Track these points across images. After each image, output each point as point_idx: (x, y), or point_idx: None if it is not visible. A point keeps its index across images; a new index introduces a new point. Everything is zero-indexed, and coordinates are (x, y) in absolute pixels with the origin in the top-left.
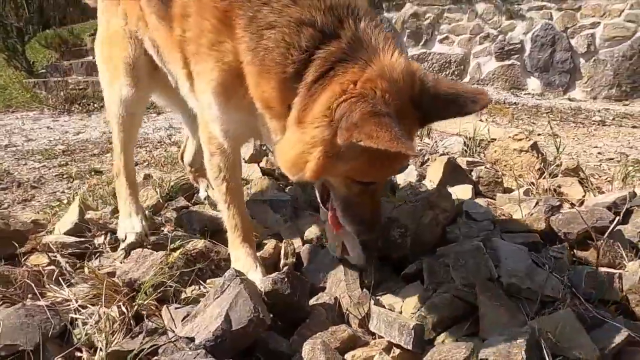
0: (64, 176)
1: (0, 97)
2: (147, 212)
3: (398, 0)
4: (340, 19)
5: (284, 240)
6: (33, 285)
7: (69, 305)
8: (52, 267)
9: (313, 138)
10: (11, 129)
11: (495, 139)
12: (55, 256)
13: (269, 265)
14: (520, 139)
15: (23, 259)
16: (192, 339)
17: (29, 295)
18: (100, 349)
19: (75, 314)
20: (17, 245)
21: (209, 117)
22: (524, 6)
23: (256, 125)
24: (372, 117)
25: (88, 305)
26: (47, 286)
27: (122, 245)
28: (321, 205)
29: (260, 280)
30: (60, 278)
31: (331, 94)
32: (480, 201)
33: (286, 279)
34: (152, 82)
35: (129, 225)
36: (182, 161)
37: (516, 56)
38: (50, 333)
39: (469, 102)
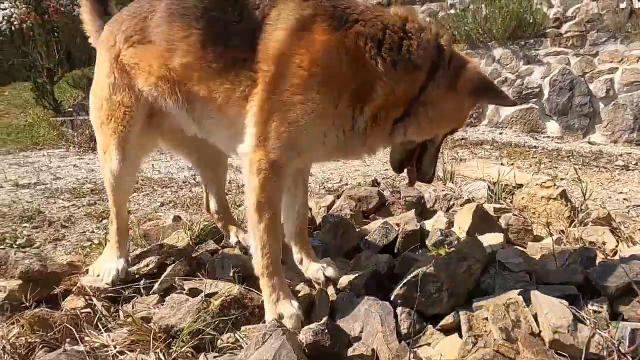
0: (93, 216)
1: (29, 134)
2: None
3: None
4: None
5: (317, 289)
6: (73, 329)
7: (108, 351)
8: (88, 310)
9: (470, 102)
10: (39, 167)
11: (522, 185)
12: (92, 299)
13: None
14: (549, 187)
15: (62, 302)
16: None
17: (67, 340)
18: None
19: None
20: (55, 287)
21: (289, 144)
22: (542, 52)
23: (337, 141)
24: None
25: (126, 351)
26: (87, 331)
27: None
28: (395, 170)
29: (297, 307)
30: (99, 323)
31: (467, 71)
32: (509, 252)
33: (326, 330)
34: (150, 144)
35: (108, 269)
36: (209, 211)
37: (535, 100)
38: None
39: None
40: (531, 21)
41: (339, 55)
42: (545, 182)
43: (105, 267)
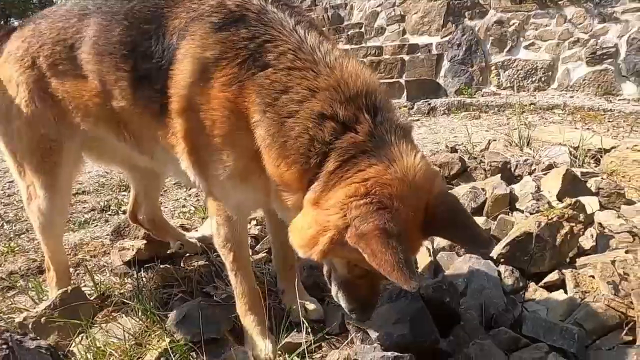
0: (182, 185)
1: None
2: None
3: (481, 8)
4: (359, 111)
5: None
6: (207, 282)
7: (233, 301)
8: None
9: (327, 222)
10: None
11: (607, 149)
12: (209, 257)
13: None
14: None
15: (182, 260)
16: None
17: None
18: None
19: None
20: (170, 246)
21: (222, 196)
22: (618, 8)
23: (268, 199)
24: (381, 235)
25: None
26: (217, 282)
27: None
28: (327, 279)
29: (270, 350)
30: (223, 277)
31: (353, 189)
32: (608, 214)
33: (443, 286)
34: (81, 165)
35: None
36: (134, 220)
37: (609, 60)
38: (226, 325)
39: (475, 243)
40: None
41: (236, 117)
42: (636, 145)
43: None
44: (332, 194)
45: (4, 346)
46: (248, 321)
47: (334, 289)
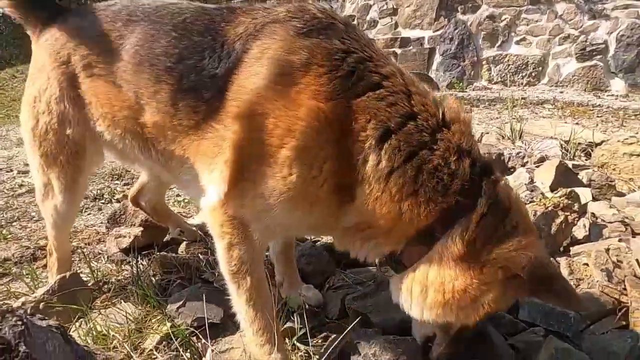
0: None
1: None
2: None
3: (473, 2)
4: (480, 150)
5: None
6: (206, 269)
7: None
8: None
9: (491, 280)
10: None
11: (598, 143)
12: (207, 244)
13: None
14: (631, 143)
15: (179, 247)
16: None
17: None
18: None
19: None
20: (168, 234)
21: (257, 216)
22: (608, 5)
23: (322, 227)
24: (556, 278)
25: None
26: (216, 270)
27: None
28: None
29: None
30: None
31: (516, 240)
32: (600, 204)
33: None
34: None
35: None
36: (138, 205)
37: (599, 57)
38: (225, 310)
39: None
40: None
41: (327, 133)
42: (627, 139)
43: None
44: (496, 245)
45: (19, 322)
46: (263, 352)
47: (436, 351)
